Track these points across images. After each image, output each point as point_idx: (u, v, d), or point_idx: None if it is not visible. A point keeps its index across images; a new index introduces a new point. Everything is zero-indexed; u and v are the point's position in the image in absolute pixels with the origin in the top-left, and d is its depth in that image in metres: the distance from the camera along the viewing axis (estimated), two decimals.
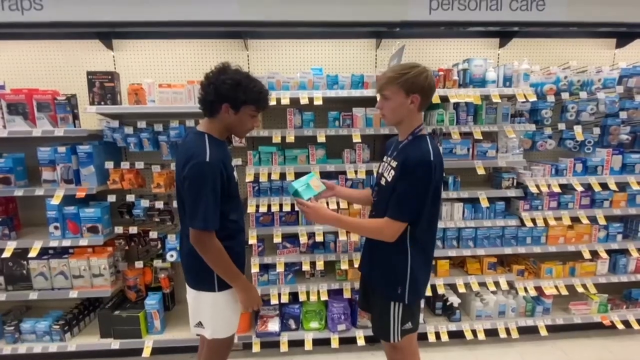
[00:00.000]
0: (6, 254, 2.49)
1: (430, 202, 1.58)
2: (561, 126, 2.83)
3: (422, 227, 1.62)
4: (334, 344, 2.72)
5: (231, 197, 1.70)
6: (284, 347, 2.70)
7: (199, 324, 1.80)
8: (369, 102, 2.69)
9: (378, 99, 1.67)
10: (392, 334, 1.71)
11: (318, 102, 2.53)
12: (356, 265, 2.72)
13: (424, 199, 1.54)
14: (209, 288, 1.73)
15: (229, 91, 1.59)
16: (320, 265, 2.72)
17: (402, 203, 1.55)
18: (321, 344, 2.78)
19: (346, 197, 2.11)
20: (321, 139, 2.59)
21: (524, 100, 2.63)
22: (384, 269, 1.70)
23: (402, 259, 1.65)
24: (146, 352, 2.62)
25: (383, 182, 1.70)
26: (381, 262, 1.71)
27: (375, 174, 1.96)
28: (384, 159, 1.77)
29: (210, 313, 1.76)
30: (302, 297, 2.74)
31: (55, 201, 2.46)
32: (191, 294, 1.80)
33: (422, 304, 2.81)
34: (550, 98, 2.74)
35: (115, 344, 2.63)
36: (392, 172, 1.63)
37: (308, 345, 2.71)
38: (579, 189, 2.78)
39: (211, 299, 1.74)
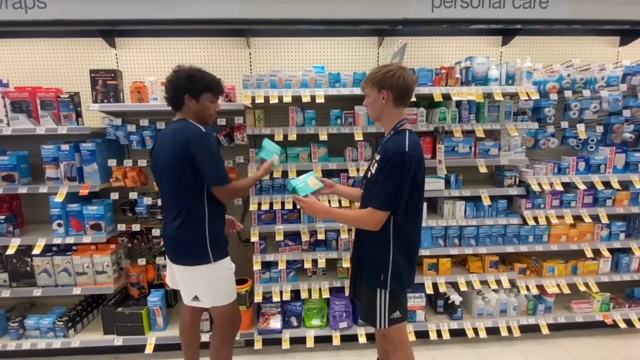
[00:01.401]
0: (10, 251, 2.52)
1: (410, 193, 1.66)
2: (564, 124, 2.82)
3: (402, 218, 1.70)
4: (336, 341, 2.73)
5: None
6: (285, 345, 2.71)
7: (195, 298, 1.96)
8: None
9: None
10: (379, 320, 1.78)
11: (320, 100, 2.53)
12: None
13: (401, 189, 1.62)
14: (205, 260, 1.89)
15: (185, 83, 1.85)
16: (322, 263, 2.72)
17: (381, 193, 1.64)
18: (323, 341, 2.79)
19: (344, 195, 2.21)
20: (323, 137, 2.59)
21: (527, 98, 2.63)
22: (369, 257, 1.79)
23: (385, 247, 1.74)
24: (149, 349, 2.64)
25: (369, 175, 1.81)
26: (367, 250, 1.80)
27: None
28: (374, 155, 1.90)
29: (208, 284, 1.92)
30: (303, 295, 2.75)
31: (59, 199, 2.48)
32: (184, 272, 1.92)
33: (424, 302, 2.82)
34: (553, 96, 2.73)
35: (118, 340, 2.65)
36: (376, 165, 1.74)
37: (310, 343, 2.72)
38: (582, 187, 2.78)
39: (207, 271, 1.90)
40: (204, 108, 1.92)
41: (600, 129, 2.86)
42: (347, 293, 2.77)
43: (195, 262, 1.89)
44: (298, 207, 2.05)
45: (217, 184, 1.85)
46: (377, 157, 1.76)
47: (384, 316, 1.77)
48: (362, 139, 2.61)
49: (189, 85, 1.85)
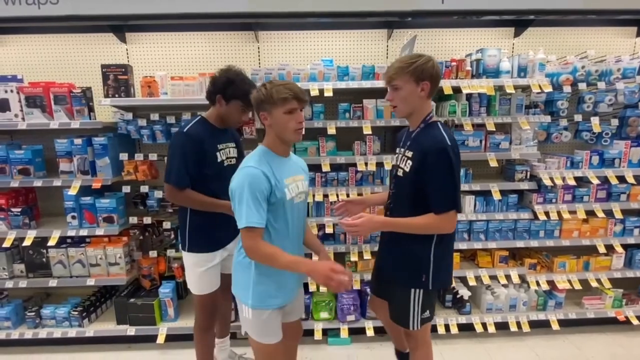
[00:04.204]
0: (27, 242, 2.59)
1: None
2: (577, 117, 2.77)
3: None
4: (343, 334, 2.75)
5: (208, 175, 1.97)
6: None
7: None
8: (379, 93, 2.67)
9: (389, 90, 1.68)
10: (412, 321, 1.75)
11: (328, 93, 2.53)
12: (366, 257, 2.73)
13: (458, 184, 1.58)
14: (183, 246, 2.09)
15: (222, 85, 1.94)
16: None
17: (444, 194, 1.57)
18: (330, 334, 2.81)
19: (376, 204, 2.12)
20: (331, 130, 2.58)
21: (539, 91, 2.58)
22: (409, 256, 1.71)
23: (427, 245, 1.68)
24: (160, 339, 2.70)
25: (400, 173, 1.71)
26: (406, 249, 1.71)
27: (391, 167, 1.97)
28: (398, 151, 1.79)
29: (184, 268, 2.15)
30: (312, 288, 2.77)
31: (72, 192, 2.53)
32: None
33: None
34: (567, 89, 2.67)
35: (131, 330, 2.71)
36: (409, 162, 1.64)
37: (318, 335, 2.75)
38: (595, 182, 2.72)
39: (184, 256, 2.11)
40: (229, 113, 1.99)
41: (615, 122, 2.79)
42: (355, 286, 2.77)
43: (181, 245, 2.10)
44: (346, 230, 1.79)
45: (165, 179, 1.96)
46: (409, 154, 1.65)
47: (417, 317, 1.74)
48: (370, 132, 2.60)
49: (224, 88, 1.94)
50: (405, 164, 1.67)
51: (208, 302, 2.14)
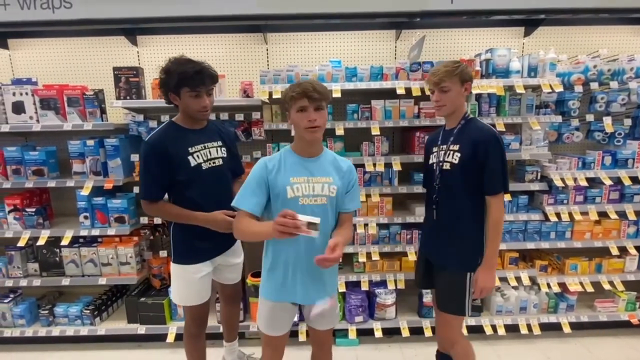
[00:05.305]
0: (40, 242, 2.64)
1: None
2: (589, 117, 2.73)
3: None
4: (352, 335, 2.75)
5: (183, 182, 1.82)
6: (302, 337, 2.74)
7: None
8: (388, 94, 2.67)
9: (434, 93, 1.83)
10: (467, 307, 1.84)
11: (337, 94, 2.53)
12: (374, 258, 2.72)
13: (507, 168, 1.78)
14: (171, 257, 1.97)
15: (165, 82, 1.77)
16: None
17: (498, 177, 1.75)
18: (339, 335, 2.80)
19: None
20: (339, 131, 2.59)
21: (550, 90, 2.55)
22: (464, 240, 1.83)
23: (480, 229, 1.84)
24: (170, 338, 2.72)
25: (447, 166, 1.84)
26: (462, 234, 1.84)
27: (431, 164, 1.99)
28: (437, 149, 1.92)
29: (171, 278, 2.02)
30: None
31: (85, 192, 2.58)
32: None
33: None
34: (578, 88, 2.64)
35: (141, 329, 2.74)
36: (457, 154, 1.80)
37: None
38: (608, 182, 2.68)
39: (172, 266, 1.98)
40: (186, 105, 1.79)
41: (628, 122, 2.75)
42: (363, 287, 2.76)
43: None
44: None
45: (140, 195, 1.85)
46: (456, 147, 1.81)
47: (470, 302, 1.84)
48: (379, 133, 2.60)
49: (167, 82, 1.76)
50: (452, 157, 1.82)
51: (196, 313, 2.03)
